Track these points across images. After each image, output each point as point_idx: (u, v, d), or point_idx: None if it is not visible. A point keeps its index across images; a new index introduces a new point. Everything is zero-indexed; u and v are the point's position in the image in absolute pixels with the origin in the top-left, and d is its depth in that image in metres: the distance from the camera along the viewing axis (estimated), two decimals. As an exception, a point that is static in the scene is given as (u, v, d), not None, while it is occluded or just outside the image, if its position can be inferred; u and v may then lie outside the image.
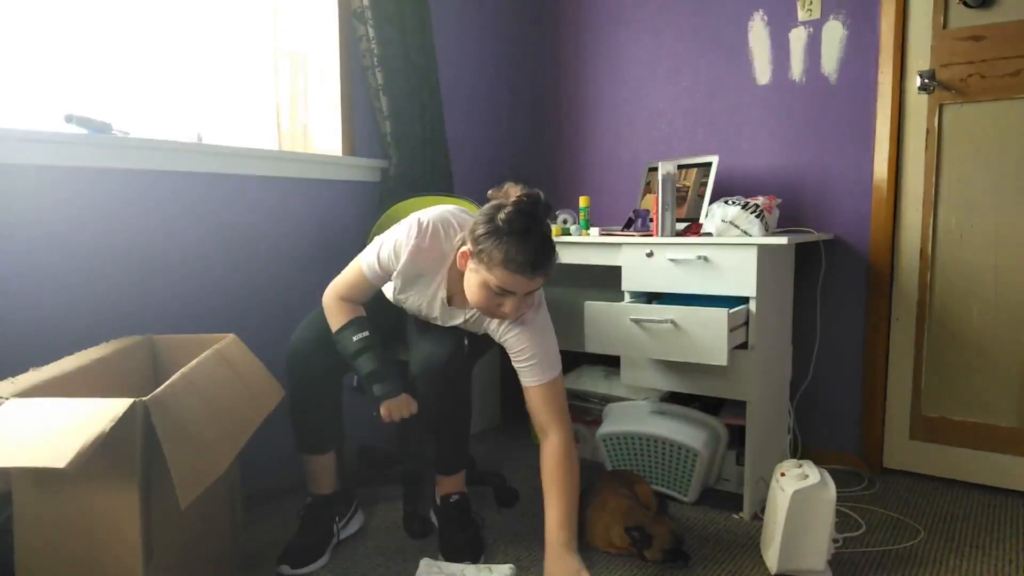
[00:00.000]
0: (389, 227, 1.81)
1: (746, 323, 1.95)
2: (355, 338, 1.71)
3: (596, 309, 2.01)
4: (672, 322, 1.88)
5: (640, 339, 1.94)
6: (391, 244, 1.72)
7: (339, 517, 1.88)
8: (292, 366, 1.79)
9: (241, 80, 2.28)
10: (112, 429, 1.15)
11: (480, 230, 1.56)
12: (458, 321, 1.79)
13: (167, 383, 1.31)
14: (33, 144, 1.61)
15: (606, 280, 2.68)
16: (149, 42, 2.03)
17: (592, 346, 2.02)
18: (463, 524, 1.86)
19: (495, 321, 1.74)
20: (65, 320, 1.70)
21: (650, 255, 2.06)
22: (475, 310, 1.74)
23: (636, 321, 1.94)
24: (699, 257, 1.97)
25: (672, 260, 2.02)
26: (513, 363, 1.75)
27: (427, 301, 1.78)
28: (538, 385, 1.71)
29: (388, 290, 1.84)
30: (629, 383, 2.17)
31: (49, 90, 1.83)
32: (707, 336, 1.84)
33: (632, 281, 2.11)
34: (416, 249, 1.68)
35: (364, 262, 1.75)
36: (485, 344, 1.85)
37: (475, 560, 1.77)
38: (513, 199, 1.58)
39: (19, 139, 1.59)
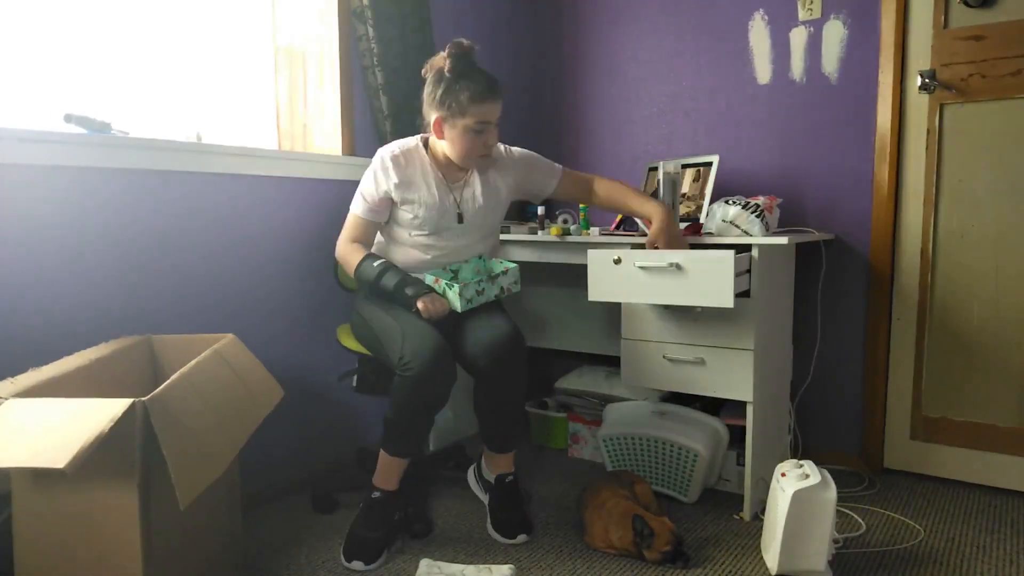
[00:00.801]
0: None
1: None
2: (375, 264, 1.85)
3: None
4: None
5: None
6: (371, 178, 1.89)
7: (398, 513, 1.91)
8: (418, 375, 1.69)
9: (241, 80, 2.28)
10: (111, 429, 1.15)
11: (438, 93, 1.79)
12: (473, 193, 1.94)
13: (166, 383, 1.30)
14: (33, 144, 1.61)
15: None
16: (149, 41, 2.03)
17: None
18: (517, 502, 1.95)
19: (491, 171, 1.97)
20: (64, 320, 1.70)
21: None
22: (469, 176, 1.94)
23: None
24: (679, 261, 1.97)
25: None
26: (530, 186, 2.04)
27: (433, 196, 1.88)
28: (561, 173, 2.08)
29: (407, 246, 1.93)
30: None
31: (48, 90, 1.82)
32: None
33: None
34: (393, 157, 1.87)
35: (355, 210, 1.93)
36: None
37: (530, 533, 1.90)
38: (442, 56, 1.80)
39: (19, 139, 1.58)
